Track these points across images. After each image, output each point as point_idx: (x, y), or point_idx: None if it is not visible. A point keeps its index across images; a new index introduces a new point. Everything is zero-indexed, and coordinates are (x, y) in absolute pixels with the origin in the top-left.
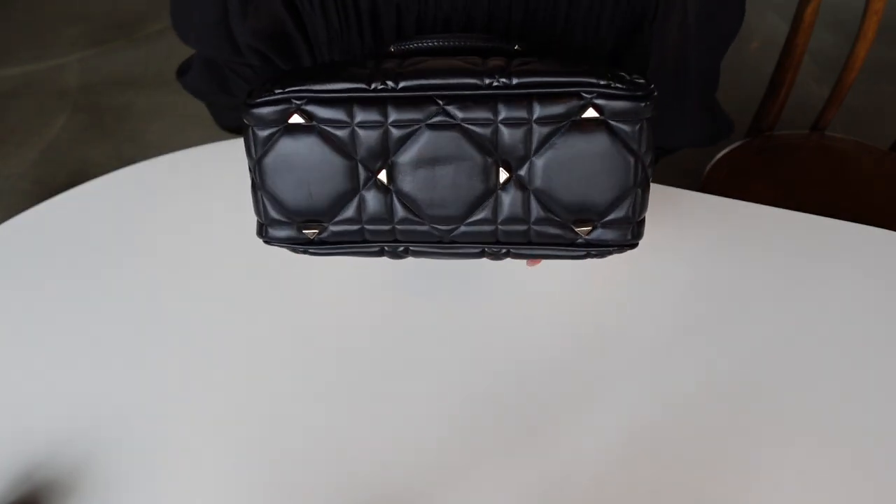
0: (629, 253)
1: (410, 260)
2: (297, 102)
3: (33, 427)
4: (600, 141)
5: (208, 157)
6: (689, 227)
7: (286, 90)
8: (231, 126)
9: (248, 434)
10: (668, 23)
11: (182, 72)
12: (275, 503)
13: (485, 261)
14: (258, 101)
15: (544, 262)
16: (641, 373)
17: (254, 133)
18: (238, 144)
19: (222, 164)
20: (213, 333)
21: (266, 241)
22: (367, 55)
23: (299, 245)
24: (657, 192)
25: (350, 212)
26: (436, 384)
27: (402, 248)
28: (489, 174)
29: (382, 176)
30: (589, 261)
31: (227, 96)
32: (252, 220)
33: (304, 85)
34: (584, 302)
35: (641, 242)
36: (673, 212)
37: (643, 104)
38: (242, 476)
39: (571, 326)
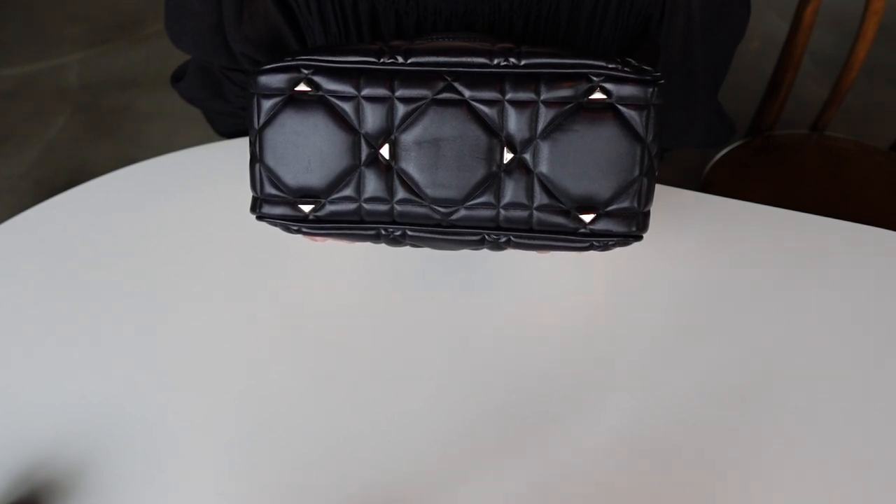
0: (629, 252)
1: (410, 259)
2: (306, 72)
3: (33, 427)
4: (607, 126)
5: (208, 157)
6: (689, 227)
7: (296, 58)
8: (228, 132)
9: (248, 434)
10: (674, 24)
11: (177, 78)
12: (274, 503)
13: (485, 258)
14: (267, 67)
15: (544, 261)
16: (641, 372)
17: (258, 102)
18: (238, 144)
19: (222, 164)
20: (213, 333)
21: (259, 218)
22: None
23: (293, 223)
24: (657, 191)
25: (349, 189)
26: (435, 384)
27: (399, 232)
28: (493, 154)
29: (385, 151)
30: (589, 260)
31: (221, 102)
32: (251, 219)
33: (313, 55)
34: (584, 301)
35: (641, 243)
36: (673, 212)
37: (651, 89)
38: (242, 476)
39: (571, 326)
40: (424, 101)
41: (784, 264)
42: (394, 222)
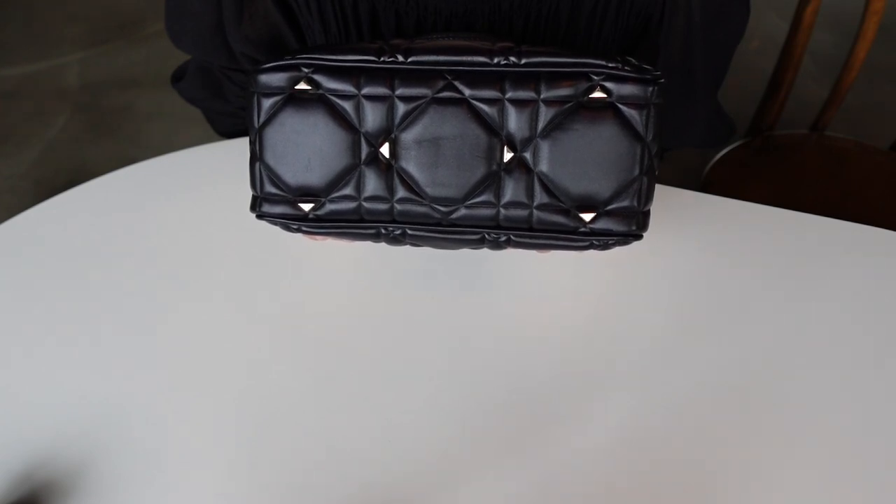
0: (629, 252)
1: (410, 259)
2: (306, 70)
3: (33, 427)
4: (607, 126)
5: (208, 157)
6: (689, 227)
7: (296, 57)
8: (228, 132)
9: (248, 435)
10: (674, 24)
11: (177, 78)
12: (274, 503)
13: (485, 258)
14: (267, 66)
15: (544, 261)
16: (641, 373)
17: (258, 101)
18: (238, 144)
19: (222, 164)
20: (213, 333)
21: (259, 216)
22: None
23: (293, 222)
24: (657, 191)
25: (349, 188)
26: (435, 384)
27: (399, 231)
28: (493, 153)
29: (385, 150)
30: (589, 260)
31: (221, 102)
32: (251, 219)
33: (313, 54)
34: (584, 302)
35: (641, 243)
36: (673, 212)
37: (651, 88)
38: (242, 476)
39: (571, 326)
40: (424, 100)
41: (784, 264)
42: (394, 221)
